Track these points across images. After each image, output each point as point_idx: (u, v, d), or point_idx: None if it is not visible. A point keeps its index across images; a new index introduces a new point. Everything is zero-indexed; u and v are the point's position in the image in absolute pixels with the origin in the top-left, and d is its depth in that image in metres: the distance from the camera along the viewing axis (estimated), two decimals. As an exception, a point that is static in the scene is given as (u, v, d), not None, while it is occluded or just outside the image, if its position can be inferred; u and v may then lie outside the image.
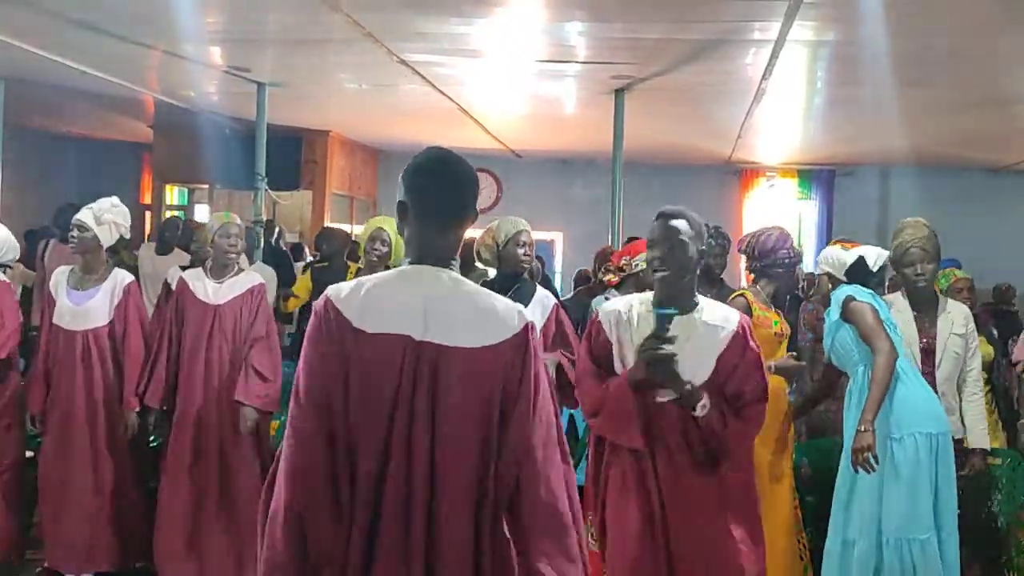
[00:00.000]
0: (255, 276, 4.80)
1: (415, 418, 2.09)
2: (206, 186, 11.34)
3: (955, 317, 4.25)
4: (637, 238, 5.96)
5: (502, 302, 2.20)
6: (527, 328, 2.16)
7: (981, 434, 4.19)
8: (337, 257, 7.32)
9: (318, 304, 2.17)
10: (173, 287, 4.90)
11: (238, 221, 4.77)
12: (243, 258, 4.93)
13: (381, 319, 2.12)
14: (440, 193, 2.19)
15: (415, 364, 2.11)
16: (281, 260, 8.58)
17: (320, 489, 2.07)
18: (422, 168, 2.20)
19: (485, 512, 2.10)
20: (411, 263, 2.20)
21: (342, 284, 2.19)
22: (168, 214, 12.18)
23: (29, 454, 4.93)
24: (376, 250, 4.78)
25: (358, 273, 6.11)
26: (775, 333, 4.29)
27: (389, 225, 4.80)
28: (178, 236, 7.78)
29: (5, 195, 8.17)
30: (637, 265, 4.73)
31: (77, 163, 13.27)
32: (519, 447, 2.12)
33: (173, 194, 12.56)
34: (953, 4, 4.96)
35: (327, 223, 10.44)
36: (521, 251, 4.44)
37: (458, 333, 2.12)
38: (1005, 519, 4.50)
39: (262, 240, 7.85)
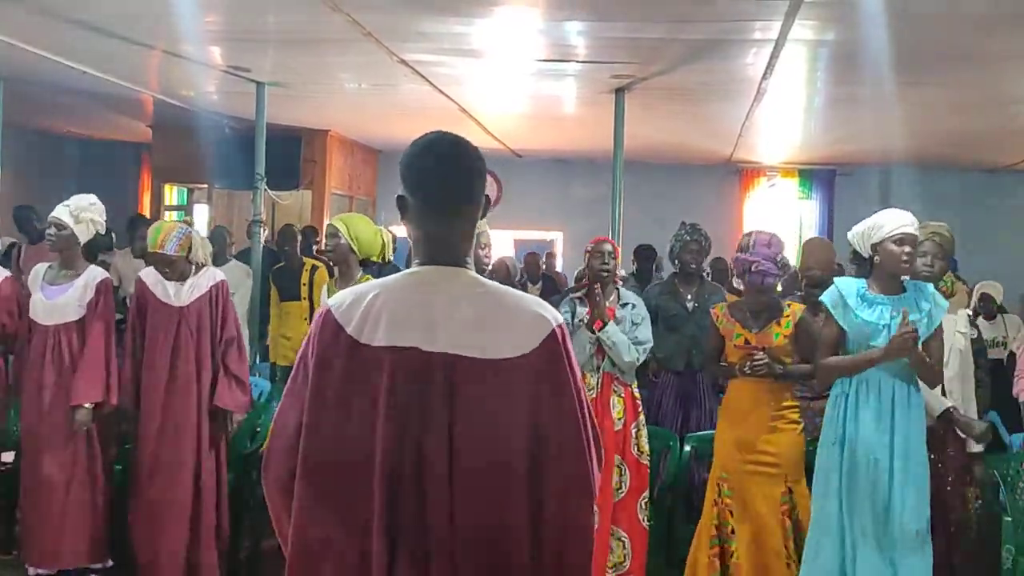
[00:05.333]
0: (215, 273, 4.79)
1: (426, 443, 1.81)
2: (205, 186, 11.35)
3: (959, 317, 4.28)
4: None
5: (529, 301, 1.92)
6: (559, 330, 1.88)
7: (939, 399, 4.12)
8: (292, 256, 7.33)
9: (318, 314, 1.95)
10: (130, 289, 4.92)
11: (171, 243, 4.63)
12: (205, 252, 4.83)
13: (384, 329, 1.85)
14: (444, 179, 1.92)
15: (424, 381, 1.82)
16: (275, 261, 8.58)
17: (330, 533, 1.85)
18: (421, 153, 1.94)
19: (515, 556, 1.81)
20: (420, 264, 1.93)
21: (346, 292, 1.95)
22: (167, 215, 12.18)
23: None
24: (329, 249, 4.60)
25: (312, 270, 6.08)
26: (735, 345, 4.40)
27: (340, 222, 4.65)
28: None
29: (5, 195, 8.16)
30: (587, 260, 4.94)
31: (77, 163, 13.27)
32: (567, 473, 1.83)
33: (172, 194, 12.55)
34: (953, 4, 4.96)
35: (327, 223, 10.44)
36: (483, 252, 4.48)
37: (478, 342, 1.83)
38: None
39: (261, 239, 7.85)
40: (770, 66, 6.26)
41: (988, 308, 7.54)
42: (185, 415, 4.59)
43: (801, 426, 4.45)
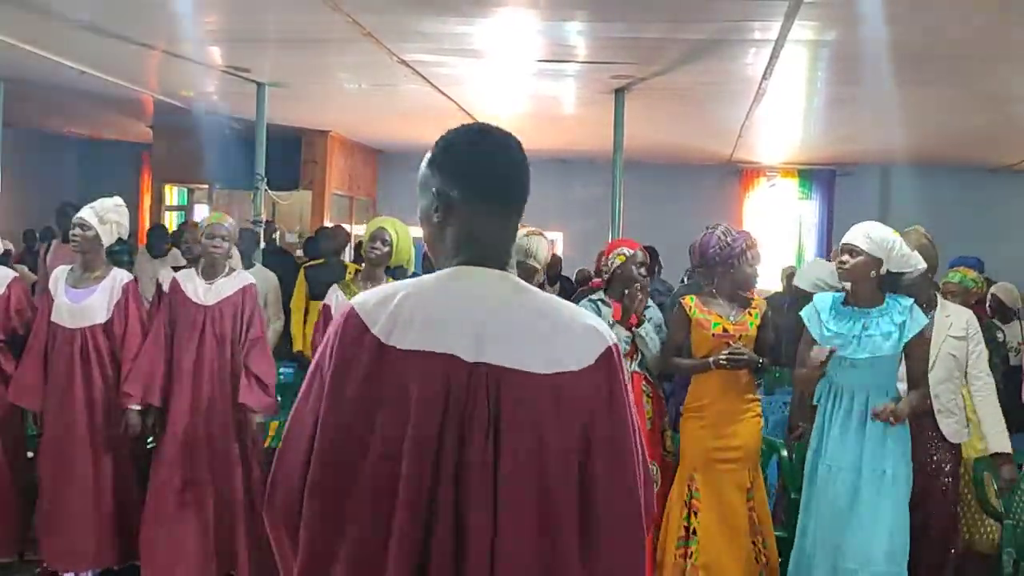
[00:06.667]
0: (246, 276, 4.79)
1: (467, 466, 1.58)
2: (206, 186, 11.36)
3: (954, 320, 4.26)
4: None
5: (579, 315, 1.73)
6: (614, 348, 1.70)
7: (1001, 438, 4.22)
8: (334, 256, 7.29)
9: (339, 314, 1.71)
10: (165, 288, 4.93)
11: (227, 222, 4.75)
12: (236, 258, 4.93)
13: (418, 334, 1.63)
14: (505, 171, 1.75)
15: (466, 394, 1.60)
16: (283, 260, 8.59)
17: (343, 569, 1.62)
18: (475, 142, 1.77)
19: None
20: (462, 264, 1.71)
21: (372, 290, 1.73)
22: (168, 215, 12.20)
23: (29, 454, 4.94)
24: (376, 249, 4.66)
25: (356, 275, 6.09)
26: (712, 335, 4.36)
27: (391, 225, 4.75)
28: (167, 238, 7.78)
29: (5, 195, 8.17)
30: (613, 262, 4.74)
31: (77, 163, 13.29)
32: (614, 504, 1.64)
33: (173, 194, 12.57)
34: (953, 4, 4.96)
35: (327, 223, 10.45)
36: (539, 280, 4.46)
37: (527, 354, 1.63)
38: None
39: (262, 240, 7.85)
40: (770, 66, 6.26)
41: (1000, 311, 7.12)
42: (211, 414, 4.58)
43: (762, 419, 4.53)
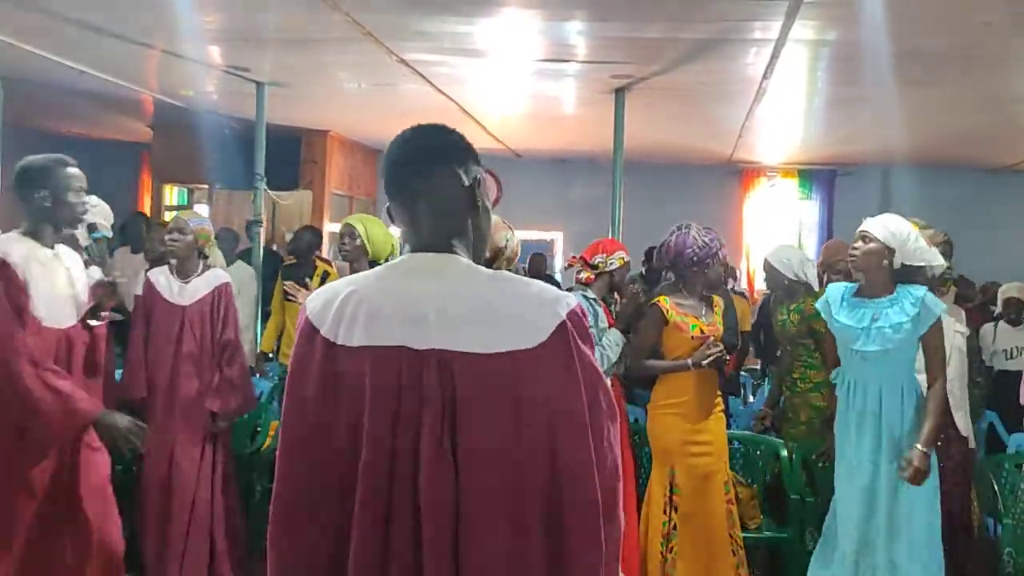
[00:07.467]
0: (220, 275, 4.77)
1: (424, 459, 1.58)
2: (205, 186, 11.35)
3: (955, 315, 4.32)
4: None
5: (535, 288, 1.69)
6: (567, 321, 1.64)
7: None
8: (305, 255, 7.34)
9: (298, 319, 1.76)
10: (138, 291, 4.91)
11: (193, 219, 4.74)
12: (217, 258, 4.90)
13: (365, 330, 1.63)
14: (397, 159, 1.77)
15: (419, 383, 1.59)
16: (273, 260, 8.58)
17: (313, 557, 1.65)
18: (388, 149, 1.82)
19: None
20: (408, 254, 1.76)
21: (321, 291, 1.75)
22: (167, 215, 12.19)
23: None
24: (344, 246, 4.67)
25: (324, 276, 6.08)
26: (691, 337, 4.38)
27: (357, 221, 4.73)
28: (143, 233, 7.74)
29: (5, 195, 8.15)
30: (611, 264, 4.72)
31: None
32: (574, 480, 1.60)
33: (172, 194, 12.55)
34: (954, 4, 4.95)
35: (327, 223, 10.44)
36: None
37: (477, 335, 1.61)
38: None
39: (261, 240, 7.84)
40: (770, 66, 6.26)
41: (1013, 313, 6.82)
42: (186, 415, 4.57)
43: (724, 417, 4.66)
